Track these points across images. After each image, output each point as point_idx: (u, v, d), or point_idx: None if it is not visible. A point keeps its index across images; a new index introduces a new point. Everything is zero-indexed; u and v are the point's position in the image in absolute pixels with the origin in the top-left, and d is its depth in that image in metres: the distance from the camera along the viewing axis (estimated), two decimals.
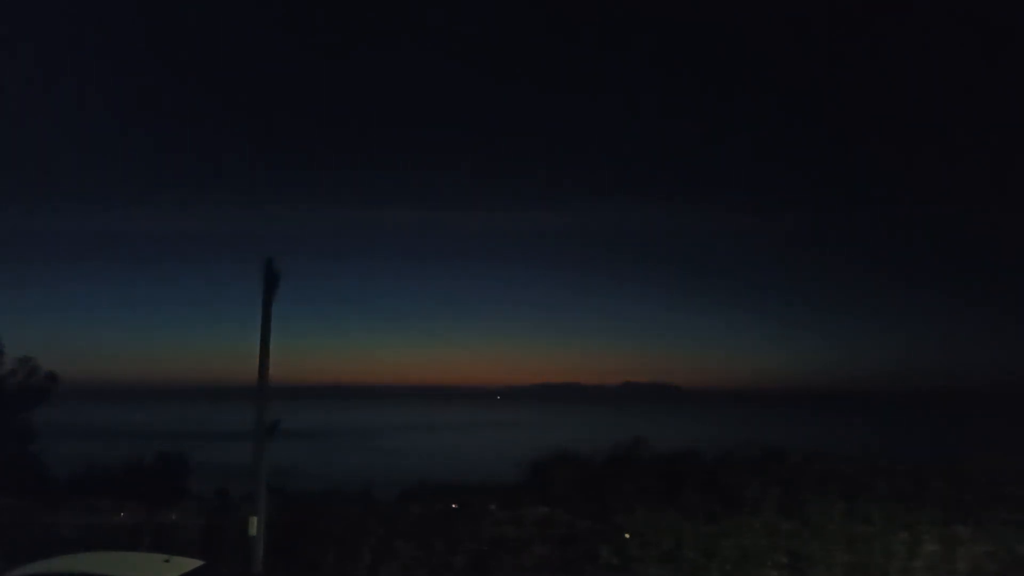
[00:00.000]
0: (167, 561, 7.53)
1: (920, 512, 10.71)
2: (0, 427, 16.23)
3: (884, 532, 10.48)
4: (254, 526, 9.33)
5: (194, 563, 7.66)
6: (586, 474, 11.91)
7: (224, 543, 10.43)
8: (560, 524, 10.80)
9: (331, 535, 10.58)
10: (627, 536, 10.44)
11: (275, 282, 9.70)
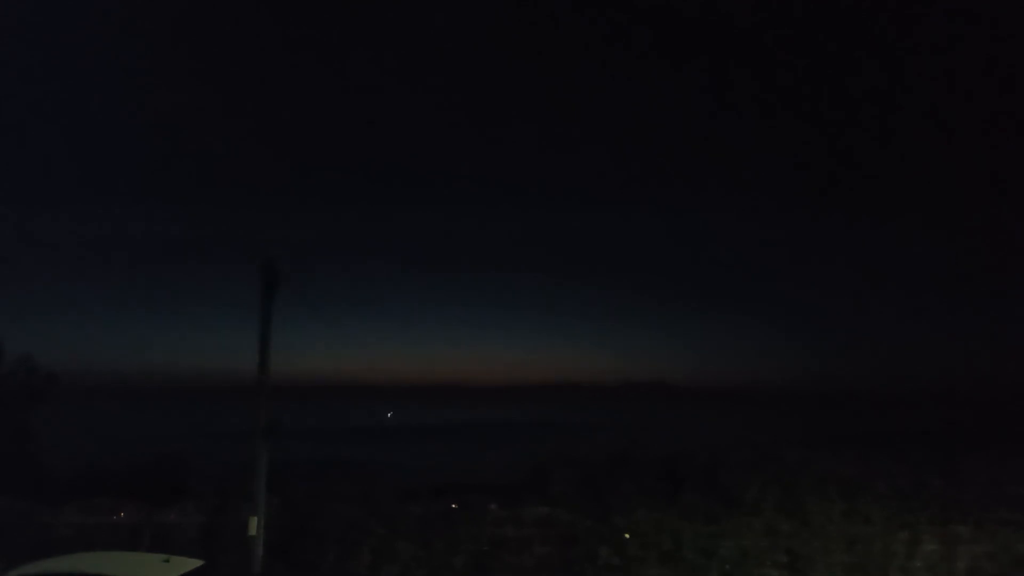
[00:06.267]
0: (167, 561, 7.54)
1: (919, 512, 10.73)
2: (0, 427, 16.23)
3: (884, 532, 10.49)
4: (254, 526, 9.33)
5: (194, 563, 7.67)
6: (586, 474, 11.90)
7: (224, 543, 10.42)
8: (560, 524, 10.80)
9: (331, 535, 10.59)
10: (627, 536, 10.45)
11: (275, 283, 9.71)
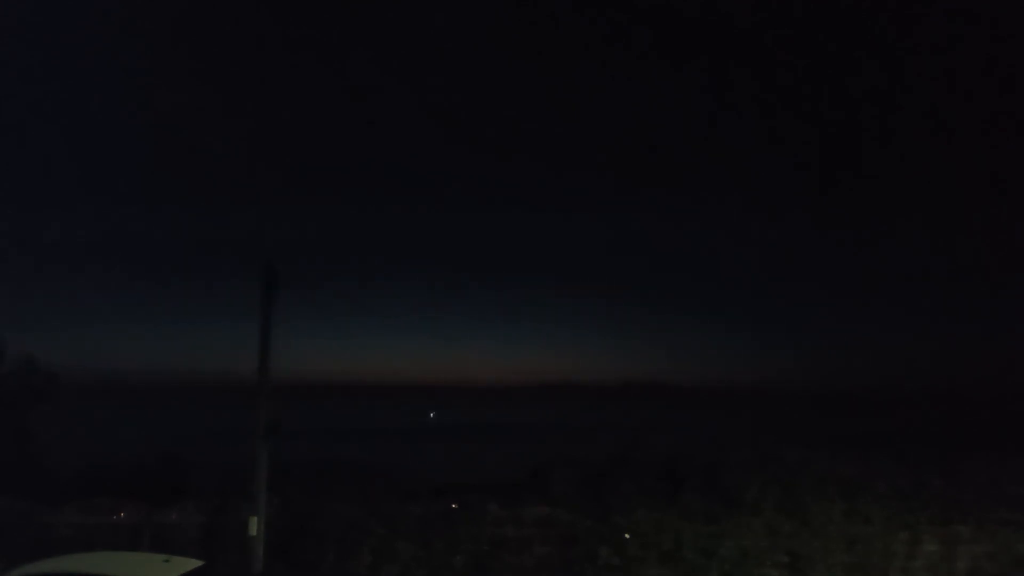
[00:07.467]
0: (167, 561, 7.55)
1: (919, 512, 10.74)
2: (0, 427, 16.24)
3: (884, 532, 10.50)
4: (254, 526, 9.34)
5: (194, 563, 7.68)
6: (586, 474, 11.92)
7: (224, 543, 10.43)
8: (560, 524, 10.81)
9: (331, 535, 10.59)
10: (627, 536, 10.45)
11: (275, 283, 9.72)
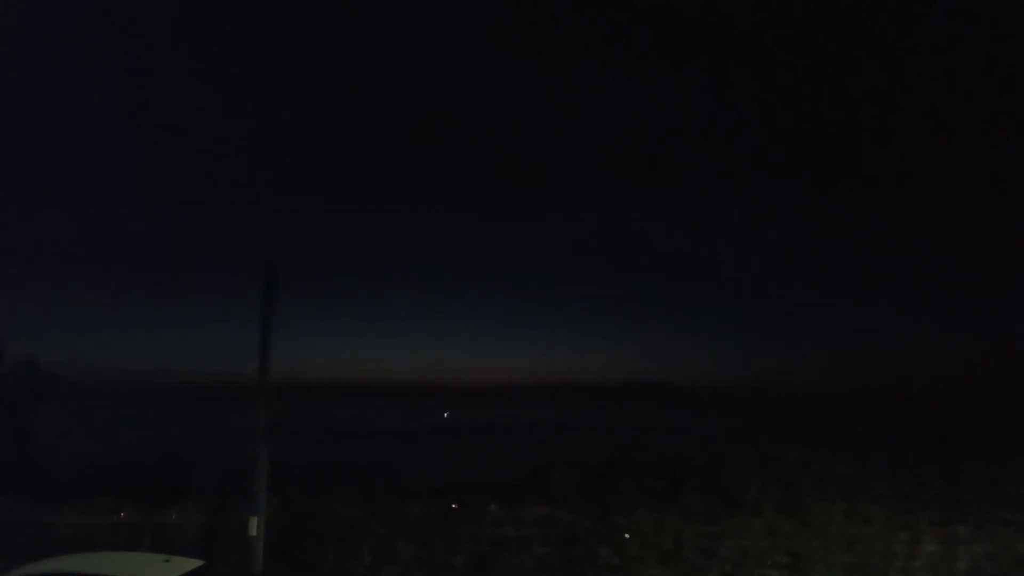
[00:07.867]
0: (167, 561, 7.56)
1: (919, 512, 10.74)
2: (0, 427, 16.24)
3: (884, 532, 10.51)
4: (254, 526, 9.34)
5: (194, 563, 7.68)
6: (586, 474, 11.92)
7: (224, 543, 10.43)
8: (560, 524, 10.81)
9: (331, 535, 10.59)
10: (627, 536, 10.46)
11: (275, 283, 9.72)
